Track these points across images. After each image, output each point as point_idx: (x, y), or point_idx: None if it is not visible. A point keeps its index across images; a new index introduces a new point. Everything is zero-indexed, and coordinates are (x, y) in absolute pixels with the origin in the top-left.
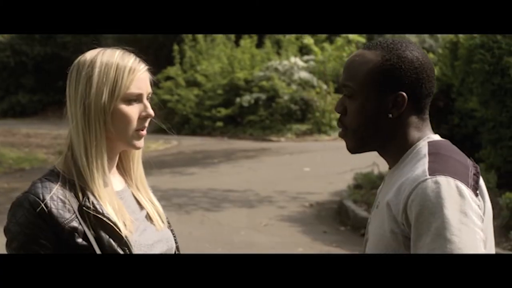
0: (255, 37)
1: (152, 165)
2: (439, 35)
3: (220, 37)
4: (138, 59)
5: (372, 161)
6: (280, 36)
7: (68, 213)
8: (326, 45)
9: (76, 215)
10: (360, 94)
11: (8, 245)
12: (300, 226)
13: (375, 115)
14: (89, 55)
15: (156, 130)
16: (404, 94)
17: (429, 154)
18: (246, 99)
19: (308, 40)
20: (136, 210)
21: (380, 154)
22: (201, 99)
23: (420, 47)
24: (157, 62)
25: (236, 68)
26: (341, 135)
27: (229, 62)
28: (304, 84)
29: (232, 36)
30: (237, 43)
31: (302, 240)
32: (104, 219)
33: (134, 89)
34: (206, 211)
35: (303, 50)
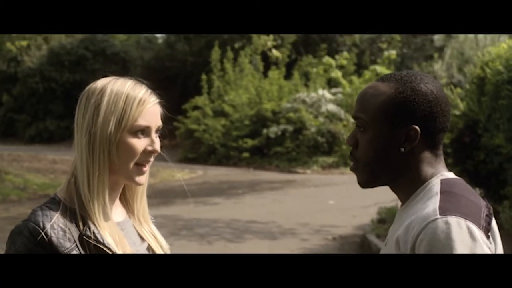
0: (283, 69)
1: (176, 194)
2: (466, 70)
3: (248, 68)
4: (149, 91)
5: (396, 195)
6: (308, 68)
7: (68, 242)
8: (354, 78)
9: (77, 244)
10: (372, 127)
11: None
12: None
13: (386, 149)
14: (100, 83)
15: (183, 160)
16: (417, 127)
17: (441, 192)
18: (273, 130)
19: (336, 73)
20: (137, 241)
21: (392, 190)
22: (228, 129)
23: (436, 80)
24: (185, 91)
25: (264, 99)
26: (352, 169)
27: (256, 93)
28: (331, 117)
29: (261, 67)
30: (265, 74)
31: None
32: (105, 249)
33: (142, 122)
34: (228, 242)
35: (331, 83)
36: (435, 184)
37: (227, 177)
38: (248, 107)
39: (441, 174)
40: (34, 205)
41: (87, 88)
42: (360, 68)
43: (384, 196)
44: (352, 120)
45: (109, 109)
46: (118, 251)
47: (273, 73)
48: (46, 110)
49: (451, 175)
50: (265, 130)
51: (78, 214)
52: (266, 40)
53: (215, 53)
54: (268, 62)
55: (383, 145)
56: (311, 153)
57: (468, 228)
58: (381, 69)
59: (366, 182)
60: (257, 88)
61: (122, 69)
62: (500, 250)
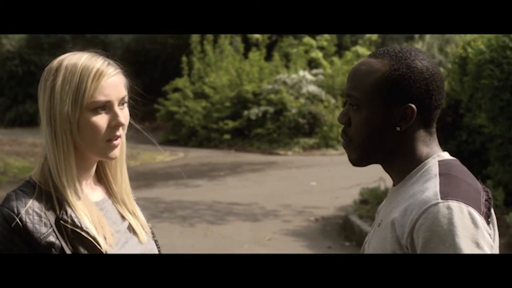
0: (263, 50)
1: (157, 177)
2: (448, 50)
3: (228, 49)
4: (107, 61)
5: (378, 176)
6: (289, 49)
7: (44, 227)
8: (335, 59)
9: (53, 229)
10: (365, 105)
11: None
12: (304, 240)
13: (381, 128)
14: (56, 61)
15: (163, 142)
16: (413, 106)
17: (440, 174)
18: (254, 112)
19: (316, 53)
20: (117, 221)
21: (385, 169)
22: (208, 111)
23: (430, 56)
24: (165, 74)
25: (244, 81)
26: (344, 146)
27: (237, 75)
28: (312, 98)
29: (241, 49)
30: (245, 56)
31: None
32: (83, 233)
33: (100, 97)
34: (210, 224)
35: (312, 64)
36: (433, 165)
37: (209, 159)
38: (228, 88)
39: (437, 154)
40: (14, 188)
41: (46, 67)
42: (341, 49)
43: (366, 177)
44: (333, 101)
45: (64, 88)
46: (97, 234)
47: (254, 55)
48: (25, 93)
49: (447, 155)
50: (246, 112)
51: (54, 197)
52: None
53: (195, 35)
54: (248, 44)
55: (378, 125)
56: (292, 135)
57: (470, 214)
58: (363, 50)
59: (358, 160)
60: (237, 70)
61: (102, 52)
62: (497, 236)
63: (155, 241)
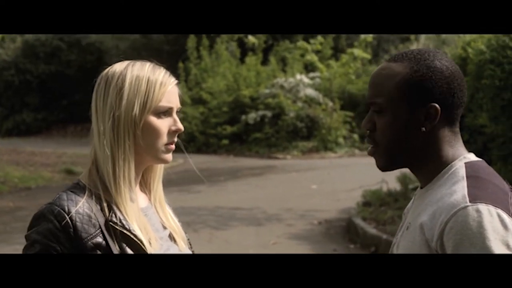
0: (260, 54)
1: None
2: (447, 51)
3: (225, 55)
4: (168, 72)
5: (380, 178)
6: (285, 53)
7: (93, 228)
8: (332, 62)
9: (102, 230)
10: (389, 109)
11: (24, 251)
12: (309, 244)
13: (406, 130)
14: (118, 67)
15: None
16: (437, 105)
17: (468, 177)
18: (252, 116)
19: (312, 57)
20: (159, 228)
21: (412, 172)
22: (206, 117)
23: (448, 56)
24: None
25: (242, 86)
26: (371, 153)
27: (234, 80)
28: (309, 101)
29: (237, 53)
30: (242, 60)
31: None
32: (131, 235)
33: (165, 103)
34: (214, 230)
35: (308, 67)
36: (460, 168)
37: (208, 164)
38: (226, 94)
39: (464, 156)
40: (15, 198)
41: (103, 73)
42: (337, 51)
43: (367, 179)
44: (330, 104)
45: (132, 92)
46: (144, 238)
47: (250, 59)
48: (22, 102)
49: (472, 156)
50: (243, 117)
51: (103, 199)
52: None
53: (191, 41)
54: (244, 48)
55: (402, 127)
56: (290, 138)
57: (499, 216)
58: (359, 52)
59: (386, 165)
60: (234, 75)
61: (98, 60)
62: None
63: (192, 252)
